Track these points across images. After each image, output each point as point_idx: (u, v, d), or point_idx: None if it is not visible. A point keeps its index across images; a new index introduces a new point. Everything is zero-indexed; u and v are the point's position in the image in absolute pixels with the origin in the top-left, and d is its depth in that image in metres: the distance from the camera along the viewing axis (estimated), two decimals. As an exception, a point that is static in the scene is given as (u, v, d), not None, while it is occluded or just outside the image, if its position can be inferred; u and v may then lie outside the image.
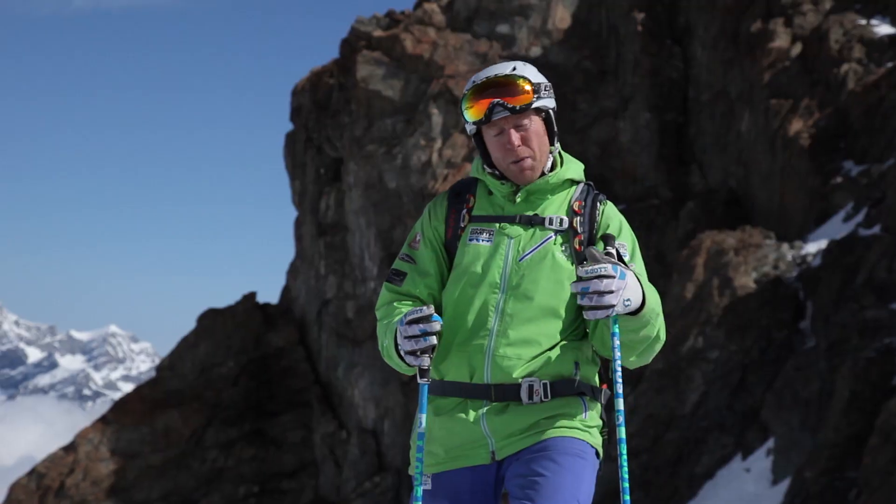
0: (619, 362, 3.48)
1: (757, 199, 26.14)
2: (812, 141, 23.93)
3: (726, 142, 28.10)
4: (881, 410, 15.29)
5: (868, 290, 17.73)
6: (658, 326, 3.53)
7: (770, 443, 18.17)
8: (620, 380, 3.48)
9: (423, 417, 3.54)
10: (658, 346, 3.59)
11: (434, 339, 3.43)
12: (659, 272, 26.40)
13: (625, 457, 3.50)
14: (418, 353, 3.45)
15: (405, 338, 3.46)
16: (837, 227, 21.33)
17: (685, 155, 30.05)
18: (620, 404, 3.48)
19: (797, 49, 26.08)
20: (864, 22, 25.68)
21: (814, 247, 21.10)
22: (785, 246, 21.42)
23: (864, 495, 14.67)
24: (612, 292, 3.35)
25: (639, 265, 3.64)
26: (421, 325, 3.43)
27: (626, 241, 3.66)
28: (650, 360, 3.62)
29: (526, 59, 31.69)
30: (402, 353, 3.49)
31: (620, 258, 3.47)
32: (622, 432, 3.50)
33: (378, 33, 33.15)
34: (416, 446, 3.63)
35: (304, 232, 36.22)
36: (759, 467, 18.07)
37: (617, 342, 3.47)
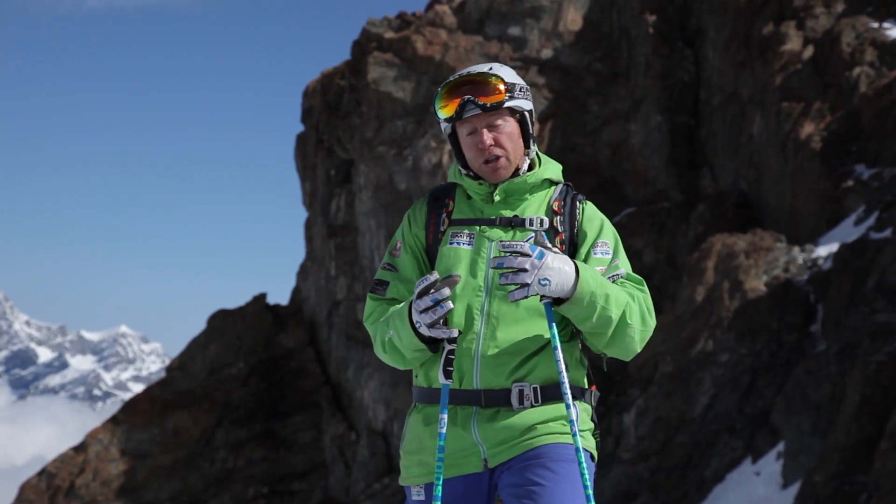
0: (559, 350, 3.44)
1: (768, 201, 26.09)
2: (823, 144, 23.87)
3: (737, 144, 28.05)
4: (892, 414, 15.24)
5: (879, 294, 17.67)
6: (620, 311, 3.44)
7: (780, 446, 18.12)
8: (563, 368, 3.43)
9: (445, 417, 3.48)
10: (634, 333, 3.49)
11: (450, 304, 3.41)
12: (669, 275, 26.35)
13: (580, 452, 3.44)
14: (440, 324, 3.42)
15: (420, 312, 3.41)
16: (848, 230, 21.27)
17: (696, 157, 30.00)
18: (566, 392, 3.44)
19: (809, 52, 26.02)
20: (876, 25, 25.61)
21: (825, 250, 21.04)
22: (796, 249, 21.36)
23: (874, 499, 14.61)
24: (525, 270, 3.34)
25: (622, 262, 3.61)
26: (432, 295, 3.40)
27: (609, 239, 3.64)
28: (635, 347, 3.52)
29: (537, 60, 31.71)
30: (423, 329, 3.42)
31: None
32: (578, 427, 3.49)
33: (389, 35, 33.16)
34: (408, 456, 3.62)
35: (315, 233, 36.25)
36: (769, 471, 18.02)
37: (555, 330, 3.45)
